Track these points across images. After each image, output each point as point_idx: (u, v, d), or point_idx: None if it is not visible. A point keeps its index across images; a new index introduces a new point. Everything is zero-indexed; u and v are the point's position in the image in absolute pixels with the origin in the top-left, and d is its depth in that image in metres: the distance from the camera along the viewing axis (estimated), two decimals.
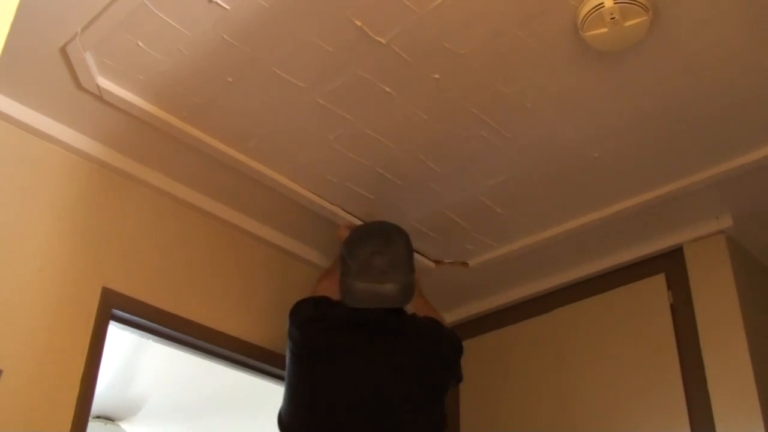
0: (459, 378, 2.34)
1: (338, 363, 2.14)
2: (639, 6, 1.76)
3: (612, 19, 1.78)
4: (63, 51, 1.98)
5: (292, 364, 2.20)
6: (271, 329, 2.60)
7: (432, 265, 2.86)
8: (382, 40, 1.92)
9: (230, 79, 2.06)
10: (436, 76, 2.03)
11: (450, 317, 3.10)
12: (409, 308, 2.37)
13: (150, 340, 2.47)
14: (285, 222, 2.69)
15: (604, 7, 1.76)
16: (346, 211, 2.60)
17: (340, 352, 2.16)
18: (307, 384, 2.16)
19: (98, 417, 4.15)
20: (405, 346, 2.20)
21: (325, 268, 2.69)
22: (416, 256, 2.69)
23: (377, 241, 2.24)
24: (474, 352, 2.84)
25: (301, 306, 2.31)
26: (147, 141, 2.27)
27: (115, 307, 2.24)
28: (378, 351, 2.16)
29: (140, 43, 1.95)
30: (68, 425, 2.02)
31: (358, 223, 2.58)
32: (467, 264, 2.87)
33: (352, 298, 2.20)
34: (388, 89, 2.08)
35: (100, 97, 2.11)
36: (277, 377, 2.68)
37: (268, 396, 3.39)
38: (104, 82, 2.07)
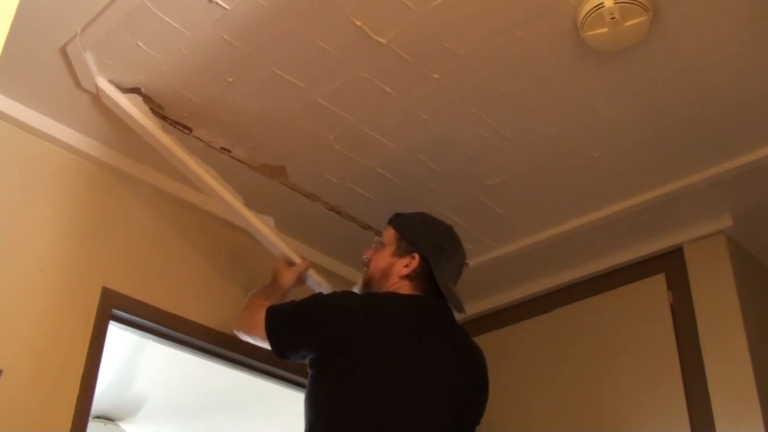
0: None
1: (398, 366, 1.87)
2: (639, 6, 1.76)
3: (612, 19, 1.78)
4: (63, 51, 1.98)
5: (336, 366, 1.87)
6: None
7: None
8: (382, 40, 1.92)
9: (230, 79, 2.06)
10: (436, 76, 2.03)
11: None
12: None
13: (150, 340, 2.47)
14: (285, 222, 2.69)
15: (604, 7, 1.76)
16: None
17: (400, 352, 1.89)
18: (364, 389, 1.83)
19: (98, 417, 4.15)
20: (466, 361, 2.01)
21: (263, 287, 2.33)
22: None
23: (463, 248, 2.16)
24: None
25: (345, 297, 2.04)
26: (147, 141, 2.27)
27: (115, 307, 2.23)
28: (440, 360, 1.94)
29: (140, 43, 1.95)
30: (68, 425, 2.02)
31: (298, 260, 2.34)
32: (467, 264, 2.86)
33: (456, 302, 2.03)
34: (388, 89, 2.08)
35: (99, 97, 2.11)
36: (277, 377, 2.68)
37: (268, 396, 3.40)
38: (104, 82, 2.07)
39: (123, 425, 4.31)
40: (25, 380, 1.98)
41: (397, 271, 2.04)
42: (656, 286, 2.66)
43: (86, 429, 2.09)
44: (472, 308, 3.08)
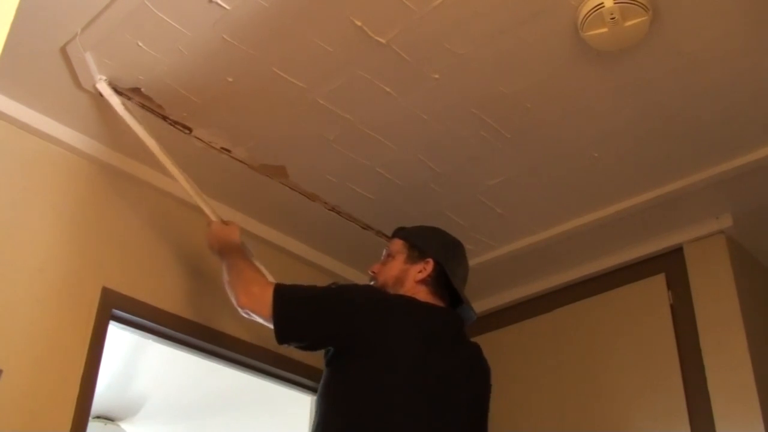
0: None
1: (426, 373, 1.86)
2: (639, 6, 1.76)
3: (612, 19, 1.78)
4: (63, 51, 1.98)
5: (356, 365, 1.84)
6: (270, 330, 2.60)
7: None
8: (382, 40, 1.92)
9: (230, 79, 2.06)
10: (436, 76, 2.03)
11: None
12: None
13: (150, 340, 2.47)
14: (284, 222, 2.69)
15: (604, 7, 1.76)
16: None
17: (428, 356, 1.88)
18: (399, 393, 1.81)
19: (98, 417, 4.15)
20: (479, 378, 2.02)
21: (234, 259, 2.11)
22: None
23: (467, 258, 2.18)
24: None
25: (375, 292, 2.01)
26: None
27: (115, 307, 2.24)
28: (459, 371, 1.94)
29: (140, 43, 1.95)
30: (68, 425, 2.02)
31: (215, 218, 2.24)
32: None
33: (470, 307, 2.07)
34: (388, 89, 2.08)
35: (99, 96, 2.11)
36: (278, 377, 2.68)
37: (268, 396, 3.40)
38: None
39: (123, 425, 4.32)
40: (25, 380, 1.98)
41: (412, 276, 2.04)
42: (656, 286, 2.66)
43: (86, 429, 2.09)
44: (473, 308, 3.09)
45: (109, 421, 4.25)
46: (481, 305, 3.09)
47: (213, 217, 2.22)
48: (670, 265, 2.65)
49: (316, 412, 1.87)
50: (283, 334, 1.88)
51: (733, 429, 2.31)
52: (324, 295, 1.95)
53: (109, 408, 4.15)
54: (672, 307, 2.60)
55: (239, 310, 1.97)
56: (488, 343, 2.92)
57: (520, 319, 3.00)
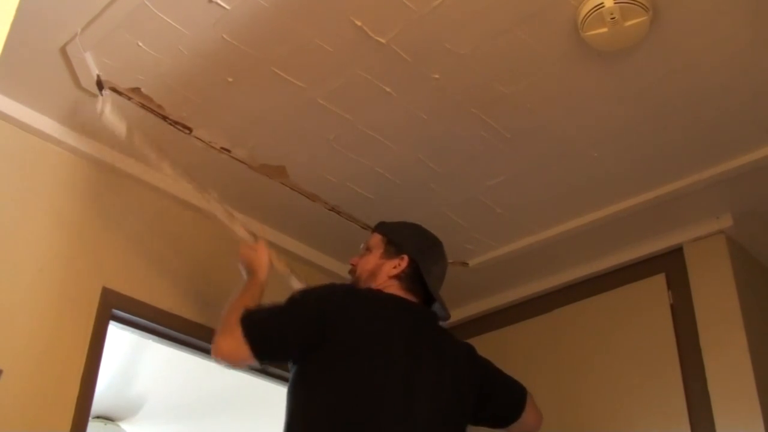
0: None
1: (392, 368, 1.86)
2: (639, 6, 1.77)
3: (612, 19, 1.78)
4: (63, 51, 1.98)
5: (331, 361, 1.85)
6: None
7: None
8: (382, 40, 1.92)
9: (230, 79, 2.07)
10: (436, 76, 2.03)
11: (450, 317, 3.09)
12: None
13: (150, 340, 2.47)
14: (285, 222, 2.69)
15: (604, 7, 1.76)
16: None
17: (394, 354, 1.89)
18: (355, 392, 1.82)
19: (98, 417, 4.15)
20: (452, 364, 2.01)
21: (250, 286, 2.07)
22: None
23: (446, 257, 2.18)
24: None
25: (345, 290, 2.01)
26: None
27: (115, 307, 2.24)
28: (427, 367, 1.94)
29: (140, 43, 1.95)
30: (68, 425, 2.02)
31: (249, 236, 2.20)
32: (467, 264, 2.87)
33: (442, 305, 2.08)
34: (388, 89, 2.08)
35: (99, 96, 2.11)
36: (277, 377, 2.67)
37: (268, 396, 3.39)
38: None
39: (123, 425, 4.32)
40: (25, 380, 1.98)
41: (386, 271, 2.05)
42: (656, 286, 2.66)
43: (86, 429, 2.09)
44: (472, 308, 3.09)
45: (109, 421, 4.25)
46: (481, 305, 3.09)
47: (240, 235, 2.19)
48: (670, 265, 2.65)
49: (287, 408, 1.87)
50: (259, 350, 1.85)
51: (733, 429, 2.31)
52: (289, 304, 1.92)
53: (109, 408, 4.15)
54: (672, 306, 2.60)
55: (216, 362, 1.91)
56: (488, 343, 2.93)
57: (520, 319, 3.00)
